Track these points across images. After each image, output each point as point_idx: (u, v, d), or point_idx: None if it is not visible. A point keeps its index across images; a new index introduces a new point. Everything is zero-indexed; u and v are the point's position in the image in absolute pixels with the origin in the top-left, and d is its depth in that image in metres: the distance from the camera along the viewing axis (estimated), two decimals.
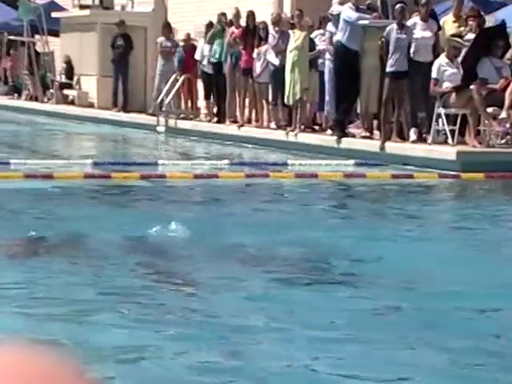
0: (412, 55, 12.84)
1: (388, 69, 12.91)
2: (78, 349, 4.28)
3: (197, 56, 17.54)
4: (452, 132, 12.44)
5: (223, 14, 16.93)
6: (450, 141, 12.44)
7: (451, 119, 12.54)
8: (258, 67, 15.68)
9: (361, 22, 13.47)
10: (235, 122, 16.55)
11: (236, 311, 5.19)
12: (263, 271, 6.26)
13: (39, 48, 24.37)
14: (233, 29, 16.52)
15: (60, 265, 6.23)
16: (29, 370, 0.70)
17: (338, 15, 13.73)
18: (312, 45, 14.65)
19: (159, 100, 18.19)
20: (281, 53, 14.93)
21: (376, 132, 13.63)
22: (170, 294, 5.59)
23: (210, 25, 17.41)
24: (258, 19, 16.06)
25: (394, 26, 12.94)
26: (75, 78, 22.37)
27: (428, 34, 12.99)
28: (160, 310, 5.19)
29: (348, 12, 13.47)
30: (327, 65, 14.26)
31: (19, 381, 0.69)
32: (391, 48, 12.83)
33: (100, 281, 5.87)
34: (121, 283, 5.84)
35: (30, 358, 0.71)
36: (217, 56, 16.78)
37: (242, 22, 16.47)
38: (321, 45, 14.62)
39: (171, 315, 5.07)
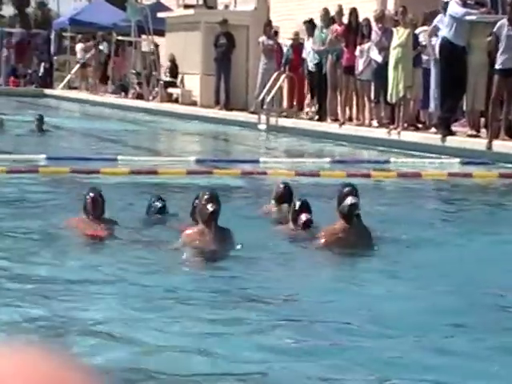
0: None
1: (497, 66, 12.14)
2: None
3: (304, 54, 17.25)
4: None
5: (326, 11, 16.54)
6: None
7: None
8: (360, 64, 15.20)
9: (468, 17, 12.77)
10: (336, 120, 16.13)
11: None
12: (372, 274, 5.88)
13: (146, 47, 24.54)
14: (335, 26, 16.11)
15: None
16: (35, 372, 0.71)
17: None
18: (416, 41, 14.10)
19: (261, 98, 17.94)
20: (384, 50, 14.41)
21: (483, 130, 12.98)
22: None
23: (309, 22, 17.08)
24: (361, 16, 15.60)
25: (505, 21, 12.18)
26: (179, 77, 22.40)
27: None
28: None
29: (454, 7, 12.82)
30: (431, 61, 13.67)
31: (27, 382, 0.70)
32: (501, 44, 12.05)
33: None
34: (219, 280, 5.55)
35: (37, 360, 0.73)
36: (317, 56, 16.42)
37: (345, 19, 16.05)
38: (425, 41, 14.05)
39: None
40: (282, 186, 7.49)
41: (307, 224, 6.58)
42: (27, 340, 3.98)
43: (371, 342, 4.37)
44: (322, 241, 6.32)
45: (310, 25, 16.93)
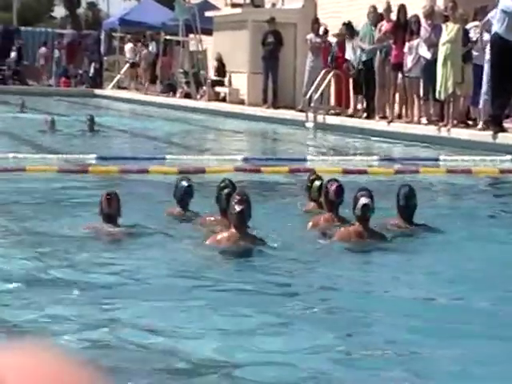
0: None
1: None
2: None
3: (346, 55, 17.14)
4: None
5: (374, 8, 16.36)
6: None
7: None
8: (409, 61, 14.97)
9: None
10: (384, 117, 15.93)
11: None
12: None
13: (194, 47, 24.56)
14: (383, 23, 15.93)
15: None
16: (42, 371, 0.72)
17: None
18: (466, 37, 13.83)
19: (308, 96, 17.81)
20: (433, 46, 14.17)
21: None
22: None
23: (348, 24, 17.03)
24: (410, 12, 15.38)
25: None
26: (227, 76, 22.36)
27: None
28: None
29: (506, 1, 12.53)
30: (485, 57, 13.39)
31: (34, 381, 0.71)
32: None
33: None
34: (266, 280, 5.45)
35: (40, 357, 0.73)
36: (367, 54, 16.27)
37: (393, 15, 15.85)
38: (476, 36, 13.79)
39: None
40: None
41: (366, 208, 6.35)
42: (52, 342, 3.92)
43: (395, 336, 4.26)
44: (335, 241, 6.30)
45: (349, 28, 16.89)
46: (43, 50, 30.89)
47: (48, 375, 0.73)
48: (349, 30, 16.90)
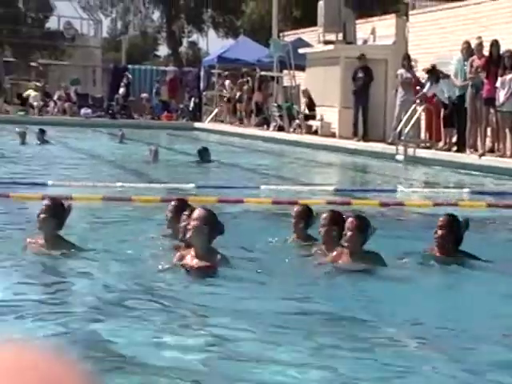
0: None
1: None
2: None
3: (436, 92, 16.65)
4: None
5: (468, 44, 15.79)
6: None
7: None
8: (501, 96, 14.32)
9: None
10: (476, 151, 15.28)
11: None
12: None
13: (287, 82, 24.39)
14: (474, 58, 15.34)
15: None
16: (34, 368, 0.68)
17: None
18: None
19: (398, 129, 17.34)
20: None
21: None
22: None
23: (431, 70, 16.58)
24: (503, 48, 14.75)
25: None
26: (316, 110, 22.10)
27: None
28: None
29: None
30: None
31: (24, 379, 0.67)
32: None
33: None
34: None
35: (35, 357, 0.70)
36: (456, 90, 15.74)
37: (486, 50, 15.23)
38: None
39: None
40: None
41: None
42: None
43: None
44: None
45: (433, 75, 16.46)
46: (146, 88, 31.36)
47: (39, 372, 0.68)
48: (433, 76, 16.49)
